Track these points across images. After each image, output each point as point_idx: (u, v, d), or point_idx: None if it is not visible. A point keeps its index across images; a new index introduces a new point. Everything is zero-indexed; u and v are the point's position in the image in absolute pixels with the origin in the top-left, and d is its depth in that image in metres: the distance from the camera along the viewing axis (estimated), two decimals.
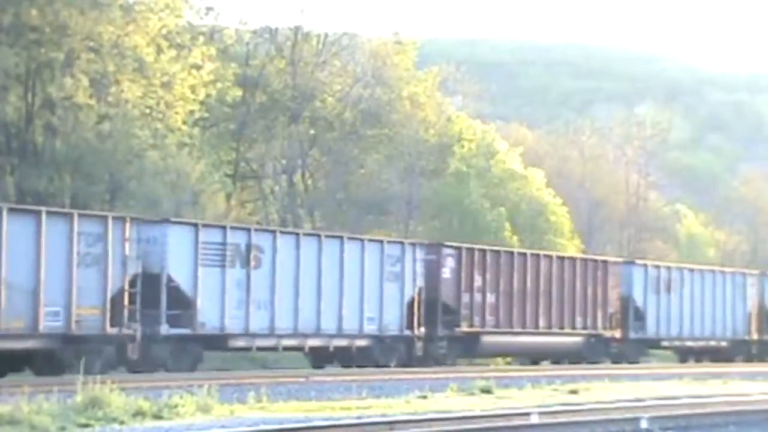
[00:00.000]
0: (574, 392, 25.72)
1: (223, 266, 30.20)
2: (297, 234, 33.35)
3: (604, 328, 42.33)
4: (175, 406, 18.32)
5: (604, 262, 43.77)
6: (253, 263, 30.84)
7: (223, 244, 30.25)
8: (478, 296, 37.41)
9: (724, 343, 48.07)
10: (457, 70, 61.75)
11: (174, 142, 38.32)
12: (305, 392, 23.61)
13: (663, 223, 75.93)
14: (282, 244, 31.74)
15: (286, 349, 32.89)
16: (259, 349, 32.22)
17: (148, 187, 36.73)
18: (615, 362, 41.92)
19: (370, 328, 34.11)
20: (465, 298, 37.03)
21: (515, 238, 50.80)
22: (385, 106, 50.86)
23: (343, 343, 33.57)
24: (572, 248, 54.99)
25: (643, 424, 18.48)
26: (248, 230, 31.73)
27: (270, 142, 48.85)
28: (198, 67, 39.47)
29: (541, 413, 18.64)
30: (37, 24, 35.37)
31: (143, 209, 34.01)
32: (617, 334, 42.92)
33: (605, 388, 27.32)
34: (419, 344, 35.48)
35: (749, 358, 48.77)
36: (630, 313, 43.92)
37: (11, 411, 16.64)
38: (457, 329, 36.72)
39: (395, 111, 51.11)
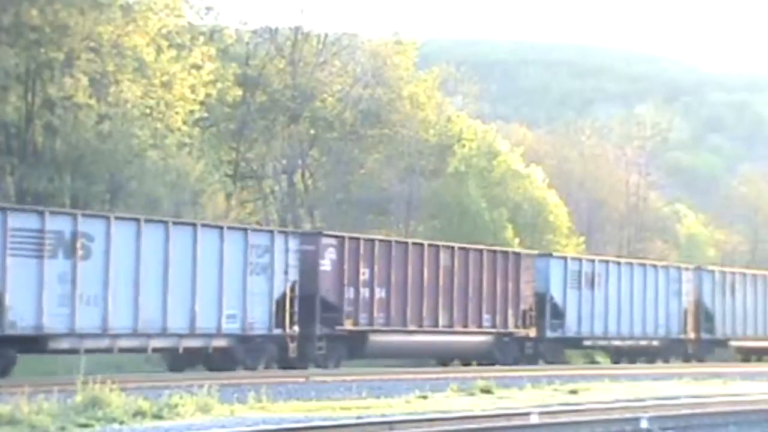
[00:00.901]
0: (574, 392, 25.74)
1: (41, 257, 26.55)
2: (137, 220, 28.96)
3: (517, 327, 39.14)
4: (175, 406, 18.33)
5: (516, 254, 40.52)
6: (79, 253, 27.22)
7: (41, 231, 26.60)
8: (364, 291, 33.98)
9: (655, 343, 45.27)
10: (457, 70, 61.75)
11: (174, 142, 38.33)
12: (305, 392, 23.62)
13: (663, 223, 75.92)
14: (117, 232, 28.01)
15: (124, 350, 28.93)
16: (89, 351, 27.37)
17: (148, 187, 36.74)
18: (531, 363, 38.82)
19: (231, 326, 30.24)
20: (349, 293, 33.56)
21: (516, 239, 50.76)
22: (385, 106, 50.85)
23: (196, 343, 29.85)
24: (572, 248, 54.97)
25: (643, 424, 18.49)
26: (73, 216, 27.77)
27: (270, 142, 48.84)
28: (198, 67, 39.48)
29: (541, 413, 18.65)
30: (37, 24, 35.37)
31: (143, 209, 33.99)
32: (532, 333, 39.75)
33: (605, 388, 27.34)
34: (293, 345, 31.81)
35: (686, 359, 46.32)
36: (547, 310, 40.75)
37: (11, 411, 16.65)
38: (339, 328, 33.33)
39: (395, 111, 51.10)
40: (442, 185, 51.10)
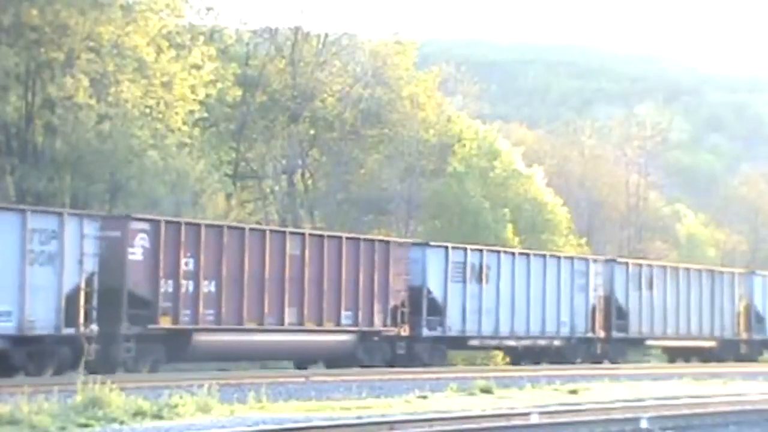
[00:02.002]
0: (574, 392, 25.76)
1: None
2: None
3: (386, 325, 34.68)
4: (175, 406, 18.34)
5: (385, 243, 35.71)
6: None
7: None
8: (187, 284, 29.64)
9: (557, 342, 40.73)
10: (457, 70, 61.73)
11: (174, 142, 38.31)
12: (305, 392, 23.63)
13: (663, 223, 76.02)
14: None
15: None
16: None
17: (148, 187, 36.72)
18: (405, 366, 34.43)
19: (4, 326, 25.95)
20: (166, 286, 29.22)
21: (517, 239, 50.78)
22: (385, 106, 50.82)
23: None
24: (573, 248, 54.98)
25: (643, 424, 18.49)
26: None
27: (270, 142, 48.83)
28: (198, 67, 39.46)
29: (541, 413, 18.66)
30: (37, 24, 35.36)
31: (143, 209, 33.98)
32: (404, 331, 35.28)
33: (605, 388, 27.37)
34: (92, 347, 27.22)
35: (596, 360, 41.78)
36: (423, 306, 36.13)
37: (11, 411, 16.66)
38: (153, 326, 28.88)
39: (395, 111, 51.09)
40: (442, 185, 51.09)
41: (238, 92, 44.91)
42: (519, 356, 40.57)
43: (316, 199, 50.49)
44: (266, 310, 31.31)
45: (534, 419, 18.13)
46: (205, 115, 41.80)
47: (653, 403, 21.71)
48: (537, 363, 39.34)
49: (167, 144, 37.93)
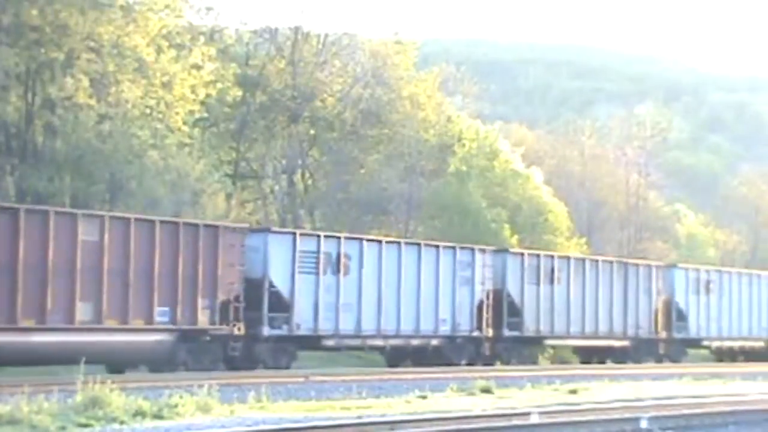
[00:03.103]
0: (573, 392, 25.76)
1: None
2: None
3: (213, 323, 30.31)
4: (175, 406, 18.34)
5: (213, 228, 30.91)
6: None
7: None
8: None
9: (435, 342, 36.67)
10: (457, 70, 61.70)
11: (174, 142, 38.32)
12: (305, 392, 23.63)
13: (663, 223, 76.00)
14: None
15: None
16: None
17: (148, 187, 36.73)
18: (234, 368, 30.84)
19: None
20: None
21: (515, 238, 50.79)
22: (385, 106, 50.85)
23: None
24: (574, 248, 54.98)
25: (643, 424, 18.49)
26: None
27: (270, 142, 48.84)
28: (198, 67, 39.47)
29: (541, 413, 18.65)
30: (37, 24, 35.37)
31: (143, 209, 34.00)
32: (239, 329, 31.02)
33: (605, 388, 27.36)
34: None
35: (486, 361, 38.07)
36: (264, 300, 31.99)
37: (11, 411, 16.66)
38: None
39: (395, 111, 51.11)
40: (442, 185, 51.10)
41: (238, 92, 44.93)
42: (393, 357, 36.80)
43: (316, 199, 50.50)
44: (50, 305, 26.97)
45: (534, 419, 18.13)
46: (205, 115, 41.84)
47: (653, 403, 21.71)
48: (420, 365, 35.18)
49: (167, 144, 37.95)
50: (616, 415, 19.05)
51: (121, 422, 17.00)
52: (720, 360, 48.19)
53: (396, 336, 35.38)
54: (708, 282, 47.44)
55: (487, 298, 37.85)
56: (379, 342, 35.15)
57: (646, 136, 74.93)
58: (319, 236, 34.02)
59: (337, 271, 33.47)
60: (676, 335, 45.58)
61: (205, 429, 16.43)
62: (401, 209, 50.38)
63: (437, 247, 36.85)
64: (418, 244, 36.70)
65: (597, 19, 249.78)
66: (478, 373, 29.65)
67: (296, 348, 33.24)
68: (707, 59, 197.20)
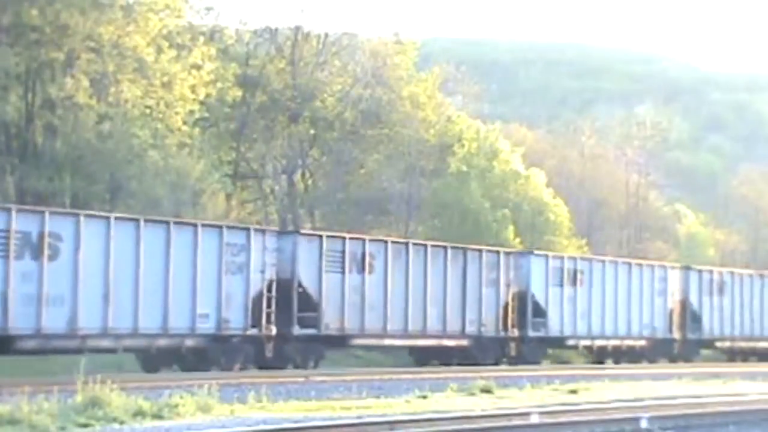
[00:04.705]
0: (573, 392, 25.75)
1: None
2: None
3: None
4: (175, 406, 18.34)
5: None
6: None
7: None
8: None
9: (198, 342, 29.76)
10: (457, 70, 61.73)
11: (174, 142, 38.34)
12: (305, 392, 23.63)
13: (663, 223, 76.04)
14: None
15: None
16: None
17: (148, 187, 36.75)
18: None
19: None
20: None
21: (517, 239, 50.76)
22: (385, 106, 50.86)
23: None
24: (574, 249, 54.97)
25: (643, 424, 18.49)
26: None
27: (270, 142, 48.85)
28: (198, 67, 39.49)
29: (541, 413, 18.65)
30: (37, 24, 35.39)
31: (143, 209, 34.01)
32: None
33: (605, 388, 27.35)
34: None
35: (262, 365, 31.71)
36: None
37: (11, 411, 16.66)
38: None
39: (395, 111, 51.12)
40: (442, 185, 51.09)
41: (238, 92, 44.94)
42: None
43: (316, 199, 50.50)
44: None
45: (534, 419, 18.13)
46: (205, 115, 41.83)
47: (653, 403, 21.70)
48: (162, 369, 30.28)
49: (167, 144, 37.97)
50: (616, 415, 19.04)
51: (121, 422, 17.00)
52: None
53: (165, 335, 29.43)
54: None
55: (267, 289, 32.04)
56: (139, 342, 29.43)
57: (646, 136, 75.02)
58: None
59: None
60: (532, 333, 40.39)
61: (205, 429, 16.42)
62: (401, 209, 50.39)
63: (220, 228, 31.06)
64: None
65: (597, 18, 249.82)
66: (479, 373, 29.65)
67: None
68: (707, 59, 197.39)
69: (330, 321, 33.24)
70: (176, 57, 38.66)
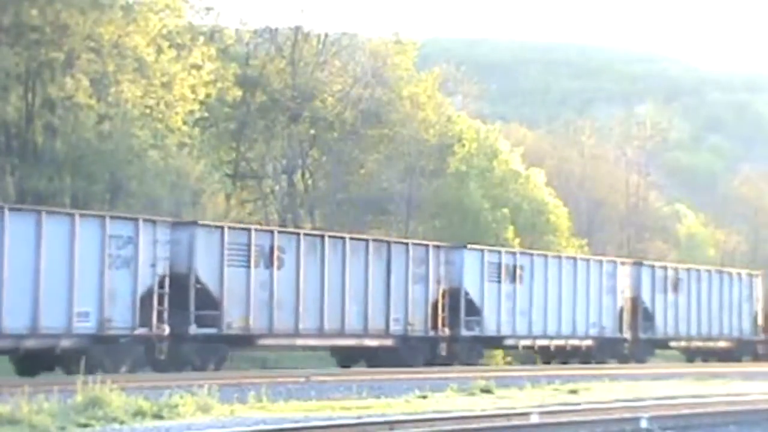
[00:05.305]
0: (574, 392, 25.74)
1: None
2: None
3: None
4: (175, 406, 18.33)
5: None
6: None
7: None
8: None
9: (76, 343, 26.79)
10: (457, 70, 61.70)
11: (174, 142, 38.35)
12: (305, 392, 23.62)
13: (663, 223, 76.09)
14: None
15: None
16: None
17: (148, 187, 36.76)
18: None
19: None
20: None
21: (517, 239, 50.74)
22: (385, 106, 50.87)
23: None
24: (574, 249, 54.96)
25: (643, 424, 18.48)
26: None
27: (270, 142, 48.86)
28: (198, 67, 39.49)
29: (541, 413, 18.65)
30: (37, 24, 35.40)
31: (143, 209, 34.01)
32: None
33: (605, 388, 27.34)
34: None
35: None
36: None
37: (11, 411, 16.65)
38: None
39: (395, 111, 51.13)
40: (442, 185, 51.11)
41: (238, 92, 44.95)
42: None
43: (316, 199, 50.51)
44: None
45: (534, 419, 18.12)
46: (205, 115, 41.84)
47: (653, 403, 21.69)
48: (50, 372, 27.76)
49: (167, 144, 37.98)
50: (616, 415, 19.04)
51: (121, 422, 16.99)
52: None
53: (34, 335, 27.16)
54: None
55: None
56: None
57: (646, 136, 75.03)
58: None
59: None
60: (466, 333, 37.47)
61: (205, 429, 16.42)
62: (401, 209, 50.40)
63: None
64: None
65: (597, 18, 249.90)
66: (479, 373, 29.65)
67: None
68: (707, 59, 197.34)
69: (233, 320, 30.76)
70: (176, 57, 38.67)
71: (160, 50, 37.98)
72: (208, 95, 40.30)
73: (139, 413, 17.63)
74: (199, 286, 30.08)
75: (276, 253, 31.63)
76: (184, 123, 39.00)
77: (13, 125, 36.71)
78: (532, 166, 58.45)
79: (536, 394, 24.79)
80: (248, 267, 30.98)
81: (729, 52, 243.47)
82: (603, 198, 70.24)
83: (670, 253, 67.63)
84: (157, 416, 17.69)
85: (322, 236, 33.70)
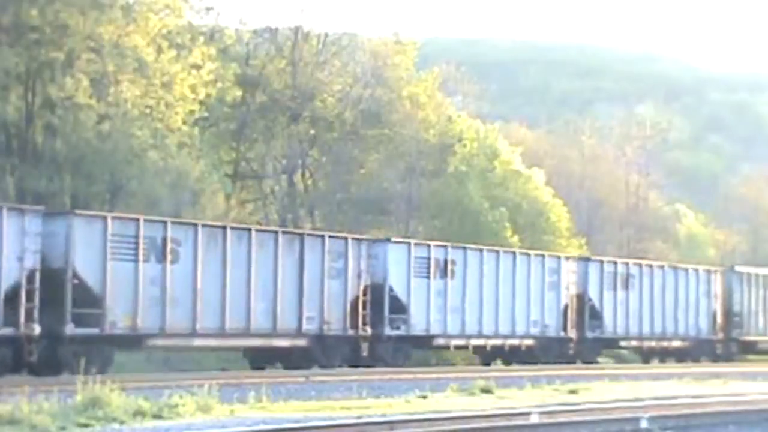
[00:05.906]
0: (573, 392, 25.76)
1: None
2: None
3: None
4: (175, 406, 18.34)
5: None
6: None
7: None
8: None
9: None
10: (457, 70, 61.66)
11: (174, 142, 38.33)
12: (305, 392, 23.64)
13: (663, 223, 76.01)
14: None
15: None
16: None
17: (148, 187, 36.76)
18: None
19: None
20: None
21: (516, 238, 50.75)
22: (385, 106, 50.85)
23: None
24: (574, 249, 54.95)
25: (643, 424, 18.49)
26: None
27: (270, 142, 48.84)
28: (198, 67, 39.47)
29: (541, 413, 18.65)
30: (37, 24, 35.39)
31: (143, 209, 34.01)
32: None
33: (605, 388, 27.37)
34: None
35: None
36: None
37: (11, 411, 16.67)
38: None
39: (395, 111, 51.10)
40: (442, 185, 51.10)
41: (238, 92, 44.93)
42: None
43: (316, 199, 50.50)
44: None
45: (534, 419, 18.13)
46: (205, 115, 41.82)
47: (653, 403, 21.70)
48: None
49: (167, 144, 37.96)
50: (616, 415, 19.05)
51: (121, 422, 17.00)
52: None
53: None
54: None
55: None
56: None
57: (646, 136, 74.96)
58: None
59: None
60: (389, 332, 36.16)
61: (205, 429, 16.43)
62: (401, 209, 50.39)
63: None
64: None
65: (596, 18, 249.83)
66: (478, 373, 29.67)
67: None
68: (707, 59, 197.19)
69: (117, 319, 28.44)
70: (176, 57, 38.65)
71: (160, 50, 37.97)
72: (208, 95, 40.28)
73: (139, 413, 17.65)
74: (76, 281, 27.83)
75: (169, 245, 29.40)
76: (184, 123, 38.98)
77: (13, 125, 36.70)
78: (532, 166, 58.46)
79: (536, 394, 24.81)
80: (136, 261, 28.84)
81: (729, 52, 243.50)
82: (603, 198, 70.22)
83: (670, 253, 67.58)
84: (157, 416, 17.70)
85: (224, 227, 31.61)
